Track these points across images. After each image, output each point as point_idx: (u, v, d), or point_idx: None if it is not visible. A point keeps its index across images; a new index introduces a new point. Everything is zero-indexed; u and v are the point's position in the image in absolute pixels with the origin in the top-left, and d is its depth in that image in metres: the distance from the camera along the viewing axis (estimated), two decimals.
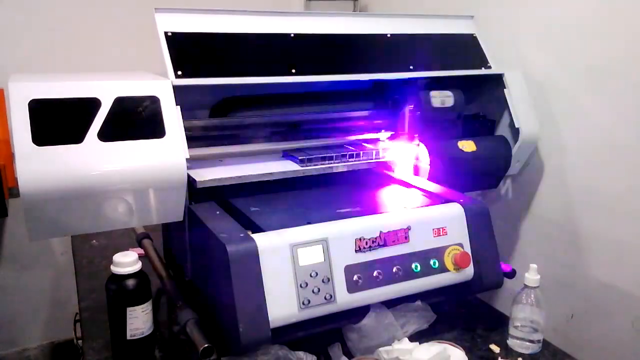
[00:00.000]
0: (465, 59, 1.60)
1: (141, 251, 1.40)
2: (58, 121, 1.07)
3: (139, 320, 1.14)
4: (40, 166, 1.02)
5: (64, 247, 2.30)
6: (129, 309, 1.12)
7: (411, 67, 1.48)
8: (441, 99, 1.50)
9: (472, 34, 1.64)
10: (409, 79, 1.51)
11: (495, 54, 1.62)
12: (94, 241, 1.77)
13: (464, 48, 1.62)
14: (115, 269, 1.13)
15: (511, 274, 1.32)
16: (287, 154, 1.45)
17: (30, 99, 1.05)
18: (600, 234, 1.55)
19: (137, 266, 1.14)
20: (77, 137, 1.06)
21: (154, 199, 1.14)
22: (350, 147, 1.49)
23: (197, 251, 1.23)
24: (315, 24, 1.43)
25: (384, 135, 1.60)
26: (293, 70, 1.32)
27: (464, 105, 1.56)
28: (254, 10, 1.37)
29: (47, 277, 2.35)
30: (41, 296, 2.35)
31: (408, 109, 1.54)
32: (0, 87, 1.92)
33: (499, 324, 1.32)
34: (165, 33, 1.24)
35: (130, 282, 1.13)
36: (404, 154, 1.52)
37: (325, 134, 1.57)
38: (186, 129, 1.15)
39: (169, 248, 1.49)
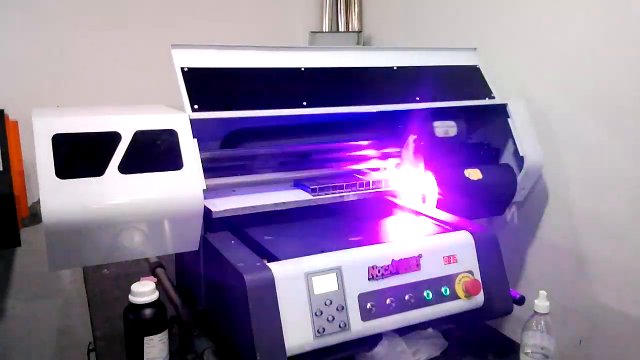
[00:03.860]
0: (469, 90, 1.64)
1: (154, 280, 1.42)
2: (80, 154, 1.10)
3: (156, 349, 1.16)
4: (63, 199, 1.05)
5: (73, 275, 2.31)
6: (146, 338, 1.15)
7: (417, 98, 1.53)
8: (444, 129, 1.54)
9: (475, 65, 1.69)
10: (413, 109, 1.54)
11: (498, 84, 1.67)
12: (106, 270, 1.79)
13: (468, 79, 1.67)
14: (133, 299, 1.15)
15: (520, 301, 1.33)
16: (298, 183, 1.48)
17: (54, 133, 1.09)
18: (607, 260, 1.57)
19: (155, 295, 1.17)
20: (98, 170, 1.09)
21: (171, 229, 1.17)
22: (359, 176, 1.52)
23: (213, 280, 1.25)
24: (324, 58, 1.47)
25: (391, 163, 1.63)
26: (304, 103, 1.36)
27: (467, 133, 1.60)
28: (264, 45, 1.42)
29: (56, 306, 2.35)
30: (50, 325, 2.35)
31: (412, 139, 1.55)
32: (14, 119, 1.95)
33: (510, 350, 1.34)
34: (182, 68, 1.28)
35: (148, 312, 1.15)
36: (410, 182, 1.55)
37: (335, 163, 1.59)
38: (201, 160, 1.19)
39: (183, 277, 1.51)
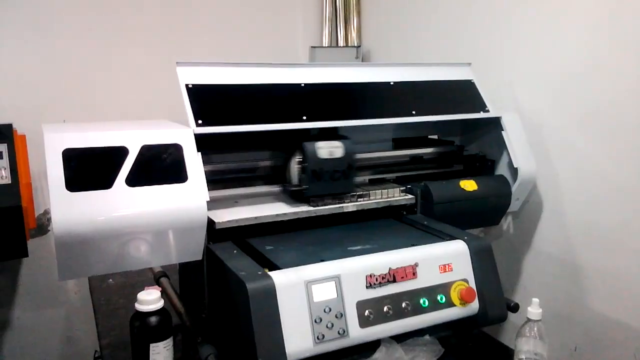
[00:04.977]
0: (464, 104, 1.69)
1: (159, 289, 1.46)
2: (89, 168, 1.15)
3: (161, 356, 1.20)
4: (73, 211, 1.09)
5: (77, 285, 2.35)
6: (152, 345, 1.19)
7: (413, 112, 1.58)
8: (329, 150, 1.38)
9: (470, 80, 1.74)
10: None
11: (492, 98, 1.72)
12: (111, 280, 1.83)
13: (463, 93, 1.72)
14: (139, 307, 1.19)
15: (514, 308, 1.37)
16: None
17: (64, 148, 1.13)
18: (599, 268, 1.61)
19: (160, 304, 1.21)
20: (106, 183, 1.14)
21: (176, 240, 1.21)
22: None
23: (216, 288, 1.29)
24: (323, 74, 1.53)
25: None
26: (304, 117, 1.41)
27: (355, 155, 1.44)
28: (266, 62, 1.47)
29: (62, 315, 2.39)
30: (55, 334, 2.39)
31: (295, 160, 1.41)
32: (22, 133, 2.00)
33: (505, 356, 1.37)
34: (187, 85, 1.33)
35: (154, 319, 1.19)
36: None
37: None
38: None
39: (186, 286, 1.55)
